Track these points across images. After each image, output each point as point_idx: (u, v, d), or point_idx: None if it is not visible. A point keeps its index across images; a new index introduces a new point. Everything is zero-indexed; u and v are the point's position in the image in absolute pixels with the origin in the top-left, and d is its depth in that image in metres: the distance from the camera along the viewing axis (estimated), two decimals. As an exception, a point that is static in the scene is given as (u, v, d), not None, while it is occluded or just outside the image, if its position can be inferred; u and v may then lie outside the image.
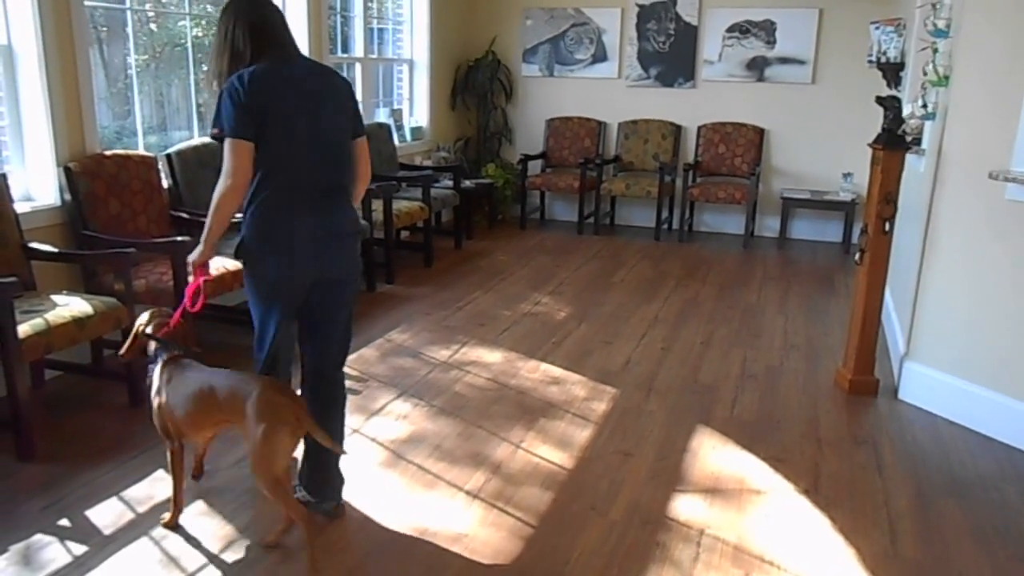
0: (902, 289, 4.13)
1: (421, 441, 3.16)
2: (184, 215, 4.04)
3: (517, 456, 3.06)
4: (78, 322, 3.04)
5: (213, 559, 2.38)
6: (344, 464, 2.72)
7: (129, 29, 4.35)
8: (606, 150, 7.50)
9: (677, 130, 7.26)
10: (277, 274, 2.39)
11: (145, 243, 3.58)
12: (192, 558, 2.38)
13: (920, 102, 4.20)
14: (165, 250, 3.55)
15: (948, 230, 3.48)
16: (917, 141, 4.35)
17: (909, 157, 3.91)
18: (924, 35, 4.18)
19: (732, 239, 7.07)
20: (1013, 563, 2.47)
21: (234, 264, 3.58)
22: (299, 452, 2.62)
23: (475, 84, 7.52)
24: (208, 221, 2.33)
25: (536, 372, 3.90)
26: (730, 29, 6.98)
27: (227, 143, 2.23)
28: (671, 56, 7.18)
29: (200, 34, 4.85)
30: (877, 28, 5.32)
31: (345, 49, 6.22)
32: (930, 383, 3.56)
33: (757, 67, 6.97)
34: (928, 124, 4.23)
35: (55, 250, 3.43)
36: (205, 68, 4.78)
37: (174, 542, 2.45)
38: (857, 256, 3.69)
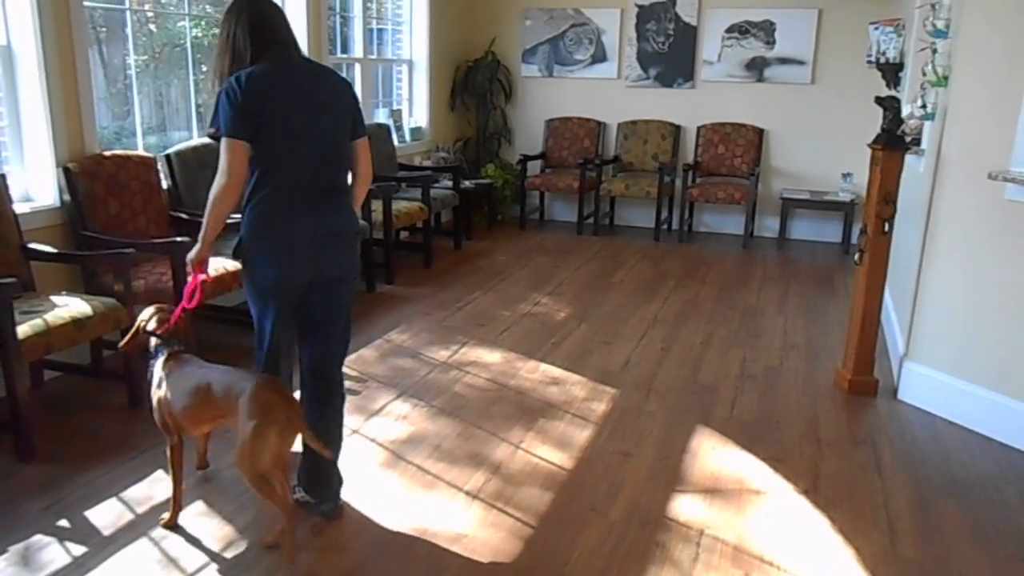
0: (901, 289, 4.14)
1: (421, 441, 3.15)
2: (183, 215, 4.04)
3: (517, 456, 3.06)
4: (77, 323, 3.04)
5: (212, 560, 2.37)
6: (344, 465, 2.73)
7: (128, 30, 4.35)
8: (605, 150, 7.50)
9: (676, 130, 7.26)
10: (275, 273, 2.40)
11: (144, 244, 3.58)
12: (192, 559, 2.38)
13: (919, 102, 4.20)
14: (164, 250, 3.55)
15: (947, 230, 3.48)
16: (916, 141, 4.35)
17: (908, 157, 3.91)
18: (923, 35, 4.19)
19: (731, 239, 7.08)
20: (1013, 563, 2.47)
21: (233, 264, 3.58)
22: (298, 448, 2.63)
23: (474, 84, 7.52)
24: (205, 219, 2.36)
25: (536, 372, 3.90)
26: (729, 29, 6.98)
27: (223, 142, 2.27)
28: (670, 56, 7.18)
29: (199, 35, 4.86)
30: (876, 28, 5.33)
31: (344, 50, 6.22)
32: (929, 383, 3.56)
33: (756, 67, 6.98)
34: (927, 124, 4.23)
35: (54, 251, 3.43)
36: (204, 69, 4.78)
37: (174, 543, 2.45)
38: (856, 256, 3.69)
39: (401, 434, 3.21)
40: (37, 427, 3.03)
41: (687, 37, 7.09)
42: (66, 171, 3.58)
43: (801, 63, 6.84)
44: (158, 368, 2.46)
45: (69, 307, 3.10)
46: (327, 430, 2.59)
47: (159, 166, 4.07)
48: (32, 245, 3.39)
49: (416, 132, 7.02)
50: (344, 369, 2.69)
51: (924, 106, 4.15)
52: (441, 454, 3.06)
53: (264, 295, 2.45)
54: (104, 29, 4.36)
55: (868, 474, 3.00)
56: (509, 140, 7.75)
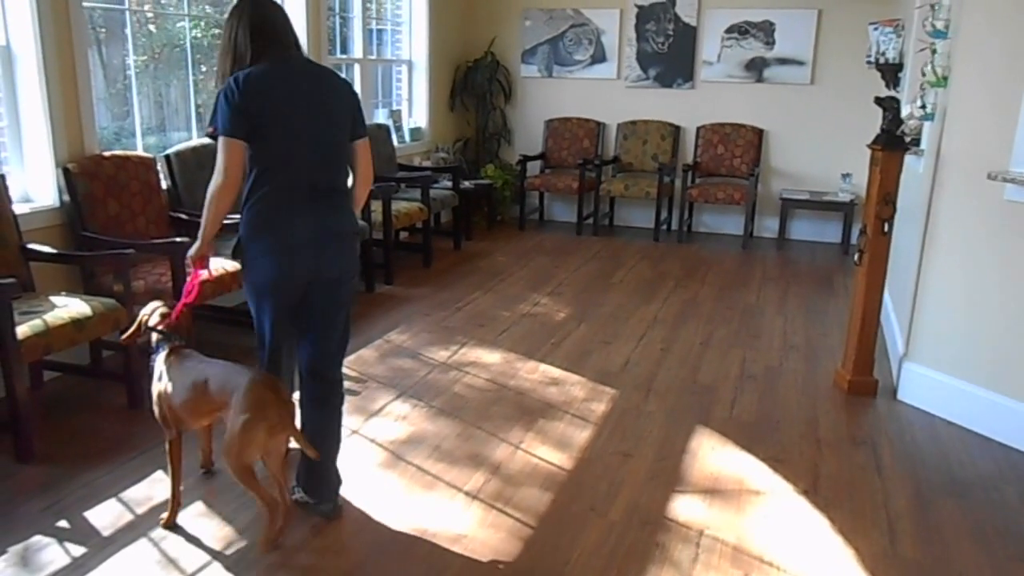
0: (901, 290, 4.14)
1: (420, 442, 3.15)
2: (183, 216, 4.04)
3: (516, 457, 3.06)
4: (77, 323, 3.04)
5: (212, 560, 2.37)
6: (343, 465, 2.73)
7: (128, 30, 4.35)
8: (605, 151, 7.50)
9: (676, 131, 7.26)
10: (274, 272, 2.41)
11: (144, 244, 3.58)
12: (191, 559, 2.37)
13: (919, 103, 4.20)
14: (164, 251, 3.55)
15: (947, 231, 3.48)
16: (916, 142, 4.35)
17: (908, 158, 3.91)
18: (923, 36, 4.19)
19: (731, 240, 7.08)
20: (1012, 563, 2.47)
21: (233, 265, 3.58)
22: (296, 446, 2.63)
23: (474, 85, 7.52)
24: (203, 217, 2.40)
25: (535, 373, 3.90)
26: (729, 30, 6.98)
27: (220, 141, 2.30)
28: (670, 57, 7.19)
29: (199, 35, 4.86)
30: (876, 29, 5.33)
31: (344, 50, 6.22)
32: (929, 384, 3.56)
33: (756, 68, 6.98)
34: (927, 125, 4.23)
35: (54, 251, 3.43)
36: (204, 69, 4.79)
37: (173, 543, 2.45)
38: (856, 257, 3.69)
39: (401, 434, 3.21)
40: (36, 428, 3.03)
41: (687, 37, 7.09)
42: (65, 172, 3.58)
43: (801, 63, 6.84)
44: (159, 363, 2.50)
45: (68, 307, 3.10)
46: (326, 430, 2.60)
47: (159, 166, 4.07)
48: (31, 245, 3.39)
49: (416, 132, 7.02)
50: (344, 370, 2.69)
51: (924, 106, 4.15)
52: (441, 454, 3.06)
53: (263, 294, 2.46)
54: (104, 30, 4.36)
55: (868, 474, 3.00)
56: (509, 140, 7.75)
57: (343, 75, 4.56)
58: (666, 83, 7.25)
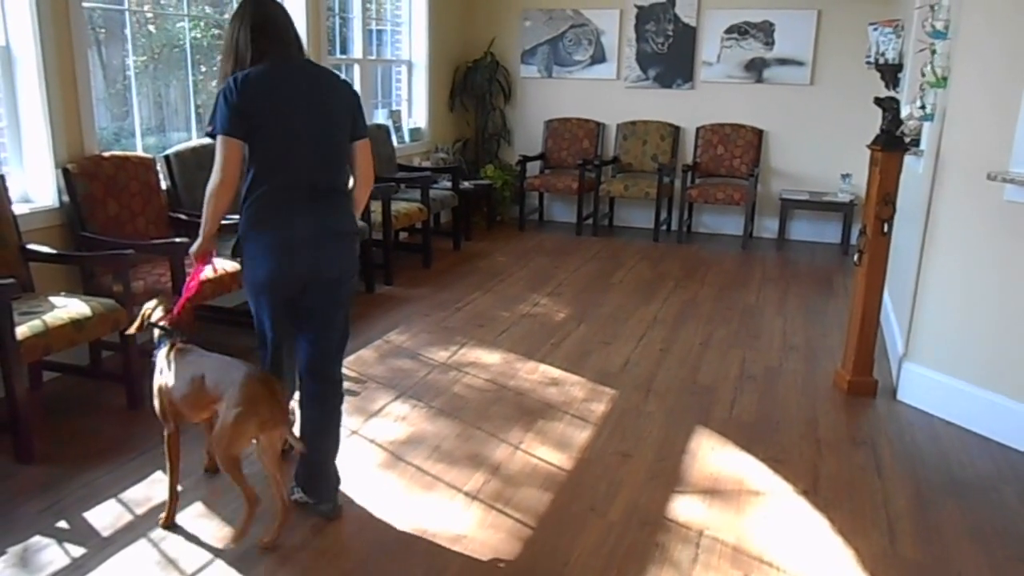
0: (901, 290, 4.14)
1: (420, 442, 3.15)
2: (182, 216, 4.04)
3: (516, 457, 3.06)
4: (76, 324, 3.04)
5: (211, 561, 2.37)
6: (343, 466, 2.73)
7: (127, 30, 4.35)
8: (605, 151, 7.50)
9: (676, 131, 7.26)
10: (273, 271, 2.43)
11: (143, 244, 3.58)
12: (191, 560, 2.37)
13: (918, 103, 4.20)
14: (163, 251, 3.55)
15: (947, 231, 3.48)
16: (915, 142, 4.36)
17: (907, 158, 3.91)
18: (922, 36, 4.19)
19: (731, 240, 7.08)
20: (1012, 563, 2.47)
21: (232, 265, 3.58)
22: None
23: (474, 85, 7.53)
24: (203, 214, 2.44)
25: (535, 373, 3.90)
26: (728, 30, 6.99)
27: (218, 140, 2.34)
28: (670, 57, 7.19)
29: (198, 35, 4.86)
30: (875, 29, 5.34)
31: (344, 50, 6.22)
32: (929, 384, 3.56)
33: (756, 68, 6.98)
34: (926, 125, 4.24)
35: (53, 251, 3.43)
36: (204, 70, 4.79)
37: (173, 544, 2.45)
38: (856, 257, 3.70)
39: (400, 435, 3.21)
40: (36, 428, 3.03)
41: (686, 38, 7.09)
42: (65, 172, 3.58)
43: (800, 64, 6.85)
44: (160, 358, 2.53)
45: (68, 308, 3.10)
46: (325, 430, 2.61)
47: (158, 167, 4.07)
48: (31, 246, 3.39)
49: (415, 133, 7.02)
50: (343, 370, 2.69)
51: (923, 107, 4.15)
52: (440, 455, 3.06)
53: (261, 292, 2.49)
54: (103, 30, 4.36)
55: (867, 475, 3.00)
56: (508, 141, 7.75)
57: (343, 76, 4.56)
58: (666, 83, 7.26)
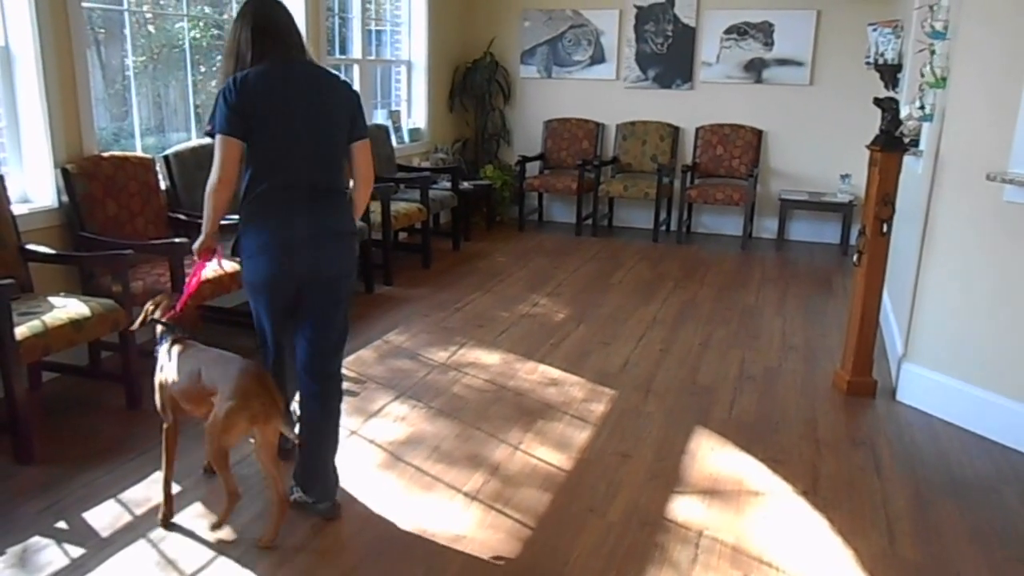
0: (900, 290, 4.14)
1: (419, 442, 3.15)
2: (182, 216, 4.04)
3: (515, 457, 3.06)
4: (75, 324, 3.04)
5: (211, 561, 2.37)
6: (342, 466, 2.73)
7: (127, 31, 4.35)
8: (604, 151, 7.50)
9: (675, 131, 7.27)
10: (272, 269, 2.44)
11: (143, 245, 3.58)
12: (190, 560, 2.37)
13: (918, 104, 4.21)
14: (163, 252, 3.55)
15: (946, 231, 3.48)
16: (915, 143, 4.36)
17: (907, 159, 3.92)
18: (922, 37, 4.20)
19: (730, 240, 7.08)
20: (1011, 563, 2.48)
21: (232, 266, 3.57)
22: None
23: (473, 85, 7.53)
24: (204, 212, 2.46)
25: (534, 373, 3.90)
26: (728, 31, 6.99)
27: (217, 139, 2.37)
28: (669, 58, 7.19)
29: (197, 36, 4.85)
30: (875, 30, 5.34)
31: (343, 51, 6.22)
32: (928, 384, 3.56)
33: (755, 69, 6.98)
34: (926, 126, 4.24)
35: (52, 252, 3.43)
36: (203, 70, 4.78)
37: (172, 544, 2.45)
38: (855, 257, 3.70)
39: (400, 435, 3.21)
40: (35, 428, 3.02)
41: (686, 38, 7.10)
42: (64, 172, 3.57)
43: (800, 64, 6.85)
44: (162, 353, 2.56)
45: (67, 308, 3.09)
46: (324, 428, 2.62)
47: (157, 167, 4.07)
48: (30, 246, 3.39)
49: (415, 133, 7.02)
50: (343, 371, 2.69)
51: (922, 107, 4.15)
52: (440, 455, 3.06)
53: (261, 292, 2.51)
54: (102, 30, 4.36)
55: (867, 475, 3.00)
56: (508, 141, 7.75)
57: (342, 76, 4.56)
58: (665, 84, 7.26)
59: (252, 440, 2.40)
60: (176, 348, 2.53)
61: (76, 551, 2.40)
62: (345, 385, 2.80)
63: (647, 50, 7.24)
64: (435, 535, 2.53)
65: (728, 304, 5.15)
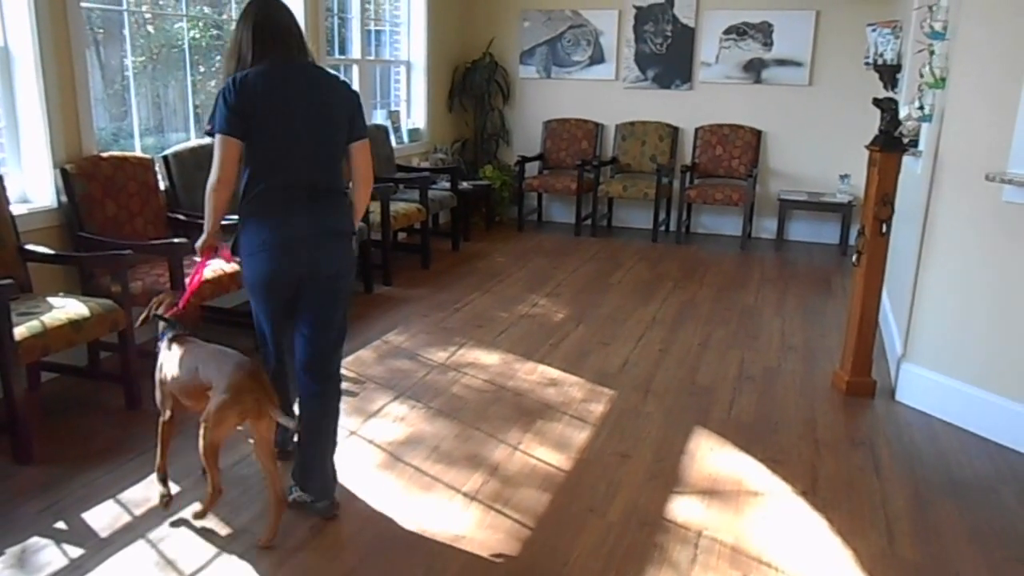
0: (899, 291, 4.14)
1: (419, 443, 3.15)
2: (181, 216, 4.04)
3: (515, 458, 3.06)
4: (74, 324, 3.04)
5: (210, 561, 2.37)
6: (342, 466, 2.73)
7: (126, 31, 4.35)
8: (603, 152, 7.50)
9: (674, 132, 7.27)
10: (272, 268, 2.45)
11: (142, 245, 3.58)
12: (190, 560, 2.37)
13: (917, 104, 4.21)
14: (162, 252, 3.54)
15: (945, 232, 3.49)
16: (914, 143, 4.36)
17: (906, 159, 3.92)
18: (921, 37, 4.20)
19: (729, 241, 7.08)
20: (1010, 564, 2.48)
21: (231, 267, 3.57)
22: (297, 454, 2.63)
23: (472, 86, 7.53)
24: (205, 211, 2.48)
25: (534, 374, 3.90)
26: (727, 31, 6.99)
27: (216, 139, 2.38)
28: (668, 58, 7.19)
29: (197, 36, 4.85)
30: (874, 30, 5.34)
31: (342, 51, 6.22)
32: (927, 384, 3.57)
33: (754, 69, 6.99)
34: (925, 126, 4.24)
35: (51, 252, 3.43)
36: (202, 70, 4.78)
37: (171, 544, 2.44)
38: (854, 258, 3.70)
39: (399, 435, 3.21)
40: (34, 429, 3.02)
41: (685, 38, 7.10)
42: (63, 172, 3.57)
43: (799, 65, 6.85)
44: (163, 349, 2.59)
45: (66, 308, 3.09)
46: (322, 427, 2.62)
47: (157, 167, 4.07)
48: (29, 246, 3.39)
49: (414, 133, 7.02)
50: (342, 371, 2.70)
51: (922, 108, 4.16)
52: (439, 455, 3.06)
53: (260, 291, 2.53)
54: (102, 30, 4.35)
55: (866, 475, 3.00)
56: (507, 141, 7.76)
57: (341, 76, 4.56)
58: (664, 84, 7.26)
59: (251, 441, 2.40)
60: (177, 344, 2.56)
61: (75, 551, 2.40)
62: (344, 385, 2.81)
63: (646, 50, 7.25)
64: (435, 535, 2.53)
65: (727, 304, 5.15)
